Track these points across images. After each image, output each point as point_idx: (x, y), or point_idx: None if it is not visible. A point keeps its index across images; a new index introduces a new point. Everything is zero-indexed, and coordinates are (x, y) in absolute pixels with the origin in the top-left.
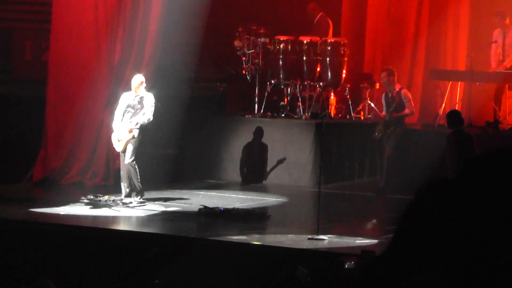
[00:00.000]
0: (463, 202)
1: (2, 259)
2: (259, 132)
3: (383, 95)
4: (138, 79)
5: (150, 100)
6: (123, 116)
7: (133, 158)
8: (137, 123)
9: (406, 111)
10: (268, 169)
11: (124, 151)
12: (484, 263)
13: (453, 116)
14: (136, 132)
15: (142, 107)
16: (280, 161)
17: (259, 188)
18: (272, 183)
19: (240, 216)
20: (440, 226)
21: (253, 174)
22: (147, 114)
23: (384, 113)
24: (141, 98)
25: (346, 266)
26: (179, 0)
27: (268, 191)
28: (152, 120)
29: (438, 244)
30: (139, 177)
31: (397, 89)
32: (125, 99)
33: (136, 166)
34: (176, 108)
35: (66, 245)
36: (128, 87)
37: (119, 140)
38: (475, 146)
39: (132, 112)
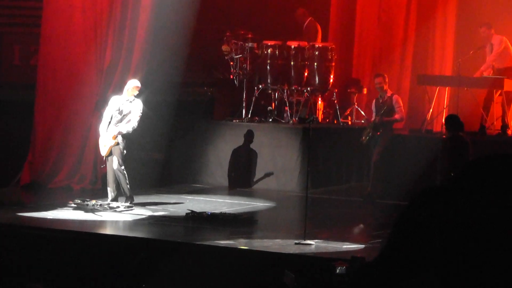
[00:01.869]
0: (458, 208)
1: None
2: (249, 135)
3: (374, 101)
4: (133, 83)
5: (138, 107)
6: (111, 119)
7: (121, 164)
8: (119, 132)
9: (396, 116)
10: (256, 175)
11: (108, 156)
12: (479, 270)
13: (450, 120)
14: (120, 139)
15: (130, 113)
16: (268, 175)
17: (246, 192)
18: (259, 187)
19: (227, 220)
20: (435, 232)
21: (241, 179)
22: (132, 122)
23: (373, 118)
24: (131, 103)
25: (338, 271)
26: (168, 5)
27: (255, 195)
28: (139, 125)
29: (432, 251)
30: (128, 182)
31: (388, 94)
32: (115, 102)
33: (125, 172)
34: (164, 112)
35: (53, 249)
36: (116, 92)
37: (104, 145)
38: (470, 153)
39: (119, 117)
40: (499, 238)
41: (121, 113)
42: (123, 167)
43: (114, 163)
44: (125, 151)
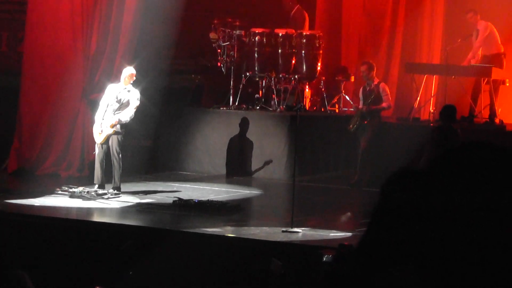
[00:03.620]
0: (432, 193)
1: None
2: (244, 123)
3: (361, 89)
4: (128, 71)
5: (136, 96)
6: (107, 107)
7: (118, 152)
8: (118, 120)
9: (384, 104)
10: (252, 163)
11: (104, 143)
12: (453, 257)
13: (445, 111)
14: (118, 128)
15: (128, 102)
16: (267, 162)
17: (233, 180)
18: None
19: (215, 208)
20: (408, 218)
21: (239, 167)
22: (130, 111)
23: (361, 106)
24: (129, 92)
25: (324, 259)
26: None
27: (242, 183)
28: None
29: (408, 237)
30: (120, 172)
31: (375, 82)
32: (112, 90)
33: (121, 162)
34: (152, 100)
35: (40, 236)
36: (103, 78)
37: (99, 133)
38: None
39: (117, 105)
40: (475, 225)
41: (119, 102)
42: (120, 156)
43: (112, 152)
44: (122, 139)
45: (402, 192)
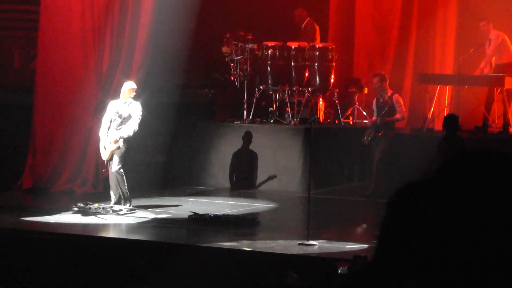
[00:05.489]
0: (438, 202)
1: None
2: (247, 137)
3: (374, 100)
4: (128, 86)
5: (137, 110)
6: (110, 123)
7: (119, 166)
8: (121, 137)
9: (397, 116)
10: (258, 176)
11: (109, 160)
12: (462, 265)
13: (448, 120)
14: (121, 143)
15: (130, 116)
16: (271, 177)
17: (248, 194)
18: (261, 189)
19: (230, 222)
20: (416, 228)
21: (243, 181)
22: (132, 125)
23: (375, 117)
24: (129, 106)
25: (339, 271)
26: (168, 7)
27: (257, 197)
28: (141, 128)
29: (418, 248)
30: (126, 184)
31: (389, 94)
32: (113, 106)
33: (123, 174)
34: (165, 114)
35: (56, 253)
36: (116, 95)
37: (105, 150)
38: None
39: (119, 120)
40: (481, 233)
41: (120, 117)
42: (121, 170)
43: (114, 165)
44: (124, 153)
45: (408, 203)
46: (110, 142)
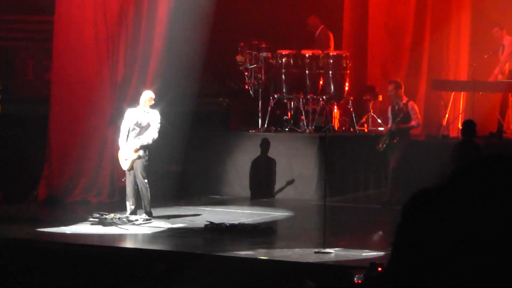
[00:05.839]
0: (452, 209)
1: (10, 279)
2: (265, 144)
3: (390, 107)
4: (148, 95)
5: (156, 118)
6: (129, 132)
7: (144, 177)
8: (141, 145)
9: (412, 123)
10: (276, 184)
11: (130, 169)
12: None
13: (465, 125)
14: (141, 152)
15: (148, 124)
16: (289, 183)
17: (264, 202)
18: (277, 197)
19: (246, 231)
20: (430, 235)
21: (262, 189)
22: (152, 133)
23: (390, 125)
24: (148, 114)
25: (355, 278)
26: (182, 16)
27: (273, 205)
28: (157, 138)
29: (432, 254)
30: (149, 196)
31: (404, 101)
32: (131, 115)
33: (148, 185)
34: (180, 124)
35: (72, 264)
36: (132, 104)
37: (125, 159)
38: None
39: (138, 129)
40: (495, 238)
41: (139, 126)
42: (146, 180)
43: (138, 176)
44: (147, 163)
45: (422, 210)
46: (130, 152)
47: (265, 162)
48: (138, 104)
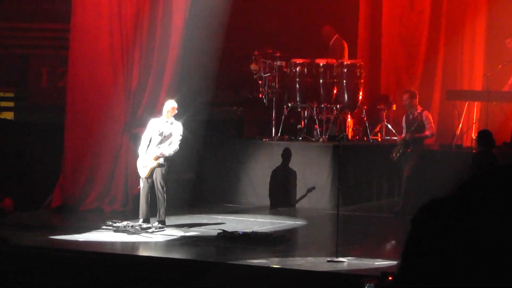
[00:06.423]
0: (463, 219)
1: (23, 286)
2: (287, 154)
3: (404, 117)
4: (170, 105)
5: (179, 129)
6: (150, 142)
7: (163, 185)
8: (162, 154)
9: (427, 132)
10: (297, 193)
11: (148, 177)
12: (484, 283)
13: (481, 136)
14: (161, 161)
15: (171, 135)
16: (310, 190)
17: (277, 211)
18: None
19: (259, 239)
20: (439, 246)
21: (282, 199)
22: (174, 144)
23: (404, 134)
24: (171, 125)
25: (366, 287)
26: (197, 25)
27: (286, 214)
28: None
29: (442, 265)
30: (165, 205)
31: (418, 110)
32: (154, 124)
33: (165, 195)
34: (194, 132)
35: (86, 271)
36: (146, 112)
37: (144, 166)
38: None
39: (160, 139)
40: (506, 249)
41: (161, 135)
42: (164, 189)
43: (156, 185)
44: (166, 172)
45: (432, 220)
46: (150, 159)
47: (285, 171)
48: (161, 114)
